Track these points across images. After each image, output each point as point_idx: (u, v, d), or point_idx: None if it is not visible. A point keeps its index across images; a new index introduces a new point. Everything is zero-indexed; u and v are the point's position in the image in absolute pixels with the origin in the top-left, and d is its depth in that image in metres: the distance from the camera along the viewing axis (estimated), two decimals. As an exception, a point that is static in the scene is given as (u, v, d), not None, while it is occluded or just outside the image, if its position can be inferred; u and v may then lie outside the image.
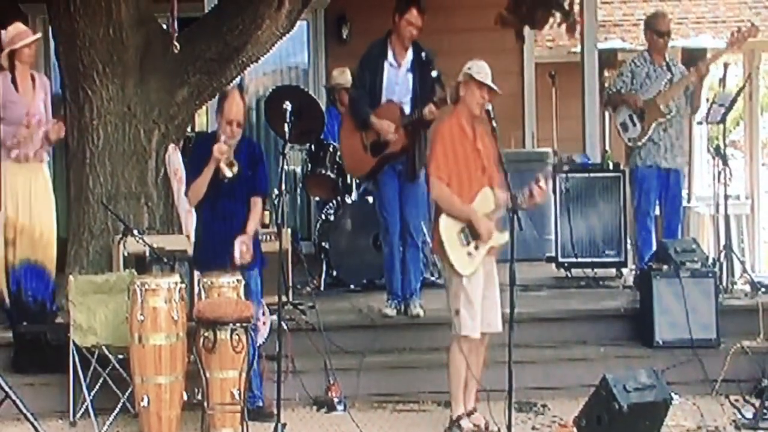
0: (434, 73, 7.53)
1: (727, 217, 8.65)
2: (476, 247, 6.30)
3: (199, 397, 6.40)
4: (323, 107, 9.78)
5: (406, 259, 7.78)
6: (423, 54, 7.65)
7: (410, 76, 7.68)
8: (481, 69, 6.41)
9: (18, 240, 7.29)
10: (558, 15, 9.94)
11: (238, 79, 8.99)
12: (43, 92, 7.47)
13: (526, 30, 10.66)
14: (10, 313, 7.33)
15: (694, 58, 9.70)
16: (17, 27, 7.38)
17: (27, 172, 7.34)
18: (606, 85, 9.60)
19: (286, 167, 6.60)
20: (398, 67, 7.70)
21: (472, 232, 6.29)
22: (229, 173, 6.54)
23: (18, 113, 7.25)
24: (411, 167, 7.63)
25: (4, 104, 7.26)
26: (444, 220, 6.31)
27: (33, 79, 7.44)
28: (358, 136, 7.78)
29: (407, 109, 7.64)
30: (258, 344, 6.64)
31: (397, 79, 7.70)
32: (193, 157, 6.71)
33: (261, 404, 6.77)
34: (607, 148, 10.50)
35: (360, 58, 7.86)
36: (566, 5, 10.03)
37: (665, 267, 7.67)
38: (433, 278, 8.62)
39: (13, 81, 7.28)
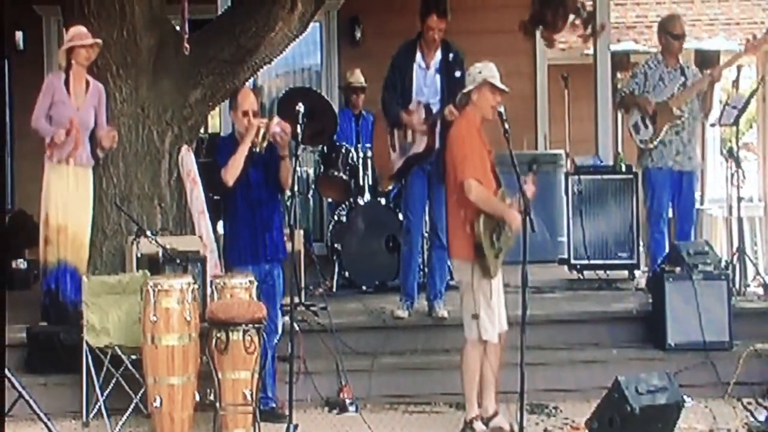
0: (457, 74, 7.56)
1: (740, 220, 8.63)
2: (500, 249, 6.32)
3: (212, 397, 6.41)
4: (336, 109, 9.80)
5: (433, 260, 7.81)
6: (451, 55, 7.69)
7: (438, 77, 7.72)
8: (493, 71, 6.42)
9: (55, 239, 7.35)
10: (578, 20, 9.90)
11: (251, 81, 9.01)
12: (96, 99, 7.53)
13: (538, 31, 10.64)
14: (46, 311, 7.40)
15: (707, 60, 9.67)
16: (78, 29, 7.48)
17: (69, 175, 7.40)
18: (619, 86, 9.59)
19: (298, 169, 6.62)
20: (426, 68, 7.76)
21: (497, 233, 6.28)
22: (288, 137, 6.66)
23: (65, 114, 7.34)
24: (442, 168, 7.63)
25: (54, 103, 7.34)
26: (482, 223, 6.23)
27: (87, 83, 7.49)
28: (388, 137, 7.85)
29: (436, 110, 7.66)
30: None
31: (425, 81, 7.75)
32: (221, 156, 6.74)
33: (273, 405, 6.79)
34: (620, 150, 10.49)
35: (391, 58, 7.88)
36: (584, 12, 10.00)
37: (678, 269, 7.66)
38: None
39: (66, 82, 7.38)
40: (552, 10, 9.31)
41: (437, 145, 7.59)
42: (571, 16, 9.69)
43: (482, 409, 6.48)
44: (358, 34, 11.67)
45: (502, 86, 6.39)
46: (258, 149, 6.68)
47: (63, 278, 7.38)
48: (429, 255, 7.94)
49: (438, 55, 7.75)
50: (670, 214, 8.75)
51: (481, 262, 6.25)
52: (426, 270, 8.15)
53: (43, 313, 7.46)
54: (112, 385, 6.75)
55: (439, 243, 7.75)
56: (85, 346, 6.76)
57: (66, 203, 7.40)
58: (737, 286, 8.28)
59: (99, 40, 7.47)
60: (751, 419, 6.74)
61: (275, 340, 6.78)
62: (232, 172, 6.61)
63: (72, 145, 7.32)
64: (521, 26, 9.61)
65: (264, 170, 6.77)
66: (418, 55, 7.77)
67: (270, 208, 6.89)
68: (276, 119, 6.72)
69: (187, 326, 6.44)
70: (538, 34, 10.07)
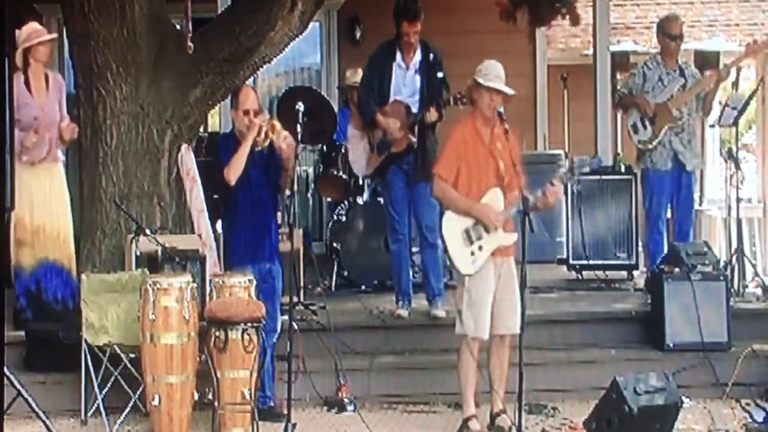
0: (440, 75, 7.62)
1: (739, 221, 8.64)
2: (480, 248, 6.32)
3: (210, 396, 6.42)
4: (336, 108, 9.80)
5: (424, 260, 7.83)
6: (431, 55, 7.74)
7: (417, 77, 7.76)
8: (489, 71, 6.42)
9: (33, 241, 7.34)
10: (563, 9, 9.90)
11: (251, 80, 9.01)
12: (57, 91, 7.51)
13: (538, 31, 10.64)
14: (17, 313, 7.37)
15: (707, 61, 9.67)
16: (33, 26, 7.44)
17: (42, 172, 7.40)
18: (618, 87, 9.59)
19: (298, 168, 6.63)
20: (406, 68, 7.81)
21: (477, 231, 6.31)
22: (275, 136, 6.69)
23: (31, 115, 7.29)
24: (420, 167, 7.66)
25: (18, 106, 7.28)
26: (447, 219, 6.38)
27: (47, 78, 7.48)
28: (366, 134, 7.88)
29: (414, 110, 7.70)
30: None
31: (404, 81, 7.81)
32: (223, 154, 6.75)
33: (272, 404, 6.79)
34: (619, 150, 10.49)
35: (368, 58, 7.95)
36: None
37: (676, 270, 7.67)
38: (444, 279, 8.63)
39: (27, 82, 7.34)
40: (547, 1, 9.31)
41: (416, 144, 7.66)
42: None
43: (491, 407, 6.53)
44: (358, 34, 11.67)
45: (498, 87, 6.38)
46: (260, 148, 6.69)
47: (45, 277, 7.37)
48: (421, 255, 7.94)
49: (418, 55, 7.80)
50: (669, 215, 8.76)
51: (449, 258, 6.42)
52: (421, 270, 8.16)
53: (15, 316, 7.37)
54: (110, 383, 6.75)
55: (427, 242, 7.77)
56: (83, 344, 6.76)
57: (42, 202, 7.38)
58: (736, 286, 8.29)
59: (55, 34, 7.45)
60: (749, 420, 6.75)
61: (274, 339, 6.78)
62: (235, 170, 6.62)
63: (47, 144, 7.31)
64: (500, 13, 9.58)
65: (265, 170, 6.78)
66: (398, 55, 7.82)
67: (270, 208, 6.90)
68: (283, 134, 6.71)
69: (186, 325, 6.44)
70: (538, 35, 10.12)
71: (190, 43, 7.69)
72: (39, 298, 7.36)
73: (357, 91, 9.97)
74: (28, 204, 7.33)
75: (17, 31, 7.35)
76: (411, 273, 8.13)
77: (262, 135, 6.67)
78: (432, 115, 7.56)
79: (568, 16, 9.61)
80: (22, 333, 7.20)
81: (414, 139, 7.67)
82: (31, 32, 7.38)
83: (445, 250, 6.40)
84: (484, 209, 6.30)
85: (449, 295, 7.80)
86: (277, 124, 6.80)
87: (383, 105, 7.78)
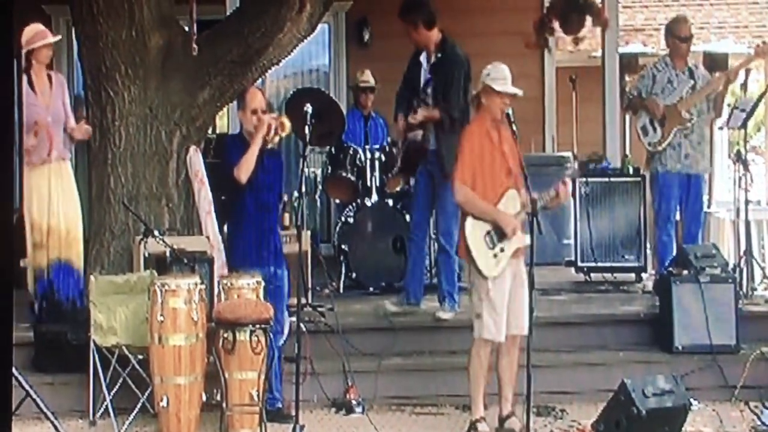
0: (427, 76, 7.73)
1: (747, 223, 8.62)
2: (502, 249, 6.31)
3: (218, 397, 6.43)
4: (344, 109, 9.81)
5: (438, 262, 7.94)
6: (439, 55, 7.77)
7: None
8: (499, 74, 6.41)
9: (47, 242, 7.36)
10: (590, 19, 9.92)
11: (259, 82, 9.02)
12: (61, 91, 7.53)
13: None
14: (38, 316, 7.39)
15: (716, 62, 9.67)
16: (36, 27, 7.45)
17: (50, 172, 7.41)
18: (627, 89, 9.58)
19: (306, 170, 6.64)
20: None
21: (497, 235, 6.30)
22: (284, 133, 6.77)
23: (32, 117, 7.27)
24: (440, 169, 7.65)
25: (24, 107, 7.29)
26: (470, 223, 6.33)
27: (50, 78, 7.50)
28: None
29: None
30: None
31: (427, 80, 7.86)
32: (230, 154, 6.76)
33: (280, 405, 6.79)
34: (628, 152, 10.49)
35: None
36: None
37: (685, 272, 7.65)
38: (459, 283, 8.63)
39: (30, 83, 7.35)
40: (576, 12, 9.30)
41: (432, 145, 7.72)
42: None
43: (499, 409, 6.51)
44: (367, 36, 11.68)
45: (505, 89, 6.38)
46: (270, 146, 6.71)
47: (58, 277, 7.39)
48: (436, 257, 8.01)
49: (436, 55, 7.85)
50: (678, 217, 8.75)
51: (472, 262, 6.30)
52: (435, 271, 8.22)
53: (38, 317, 7.42)
54: (119, 384, 6.76)
55: (441, 246, 7.80)
56: (92, 345, 6.76)
57: (51, 202, 7.40)
58: (744, 289, 8.26)
59: (59, 36, 7.47)
60: (758, 422, 6.73)
61: (281, 341, 6.78)
62: (245, 169, 6.60)
63: (47, 143, 7.32)
64: (527, 43, 9.59)
65: (273, 174, 6.79)
66: (423, 56, 7.91)
67: (274, 211, 6.91)
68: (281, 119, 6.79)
69: (194, 326, 6.44)
70: (551, 39, 10.11)
71: (194, 45, 7.70)
72: (53, 298, 7.38)
73: (366, 92, 10.04)
74: (41, 206, 7.36)
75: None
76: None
77: (272, 133, 6.68)
78: (413, 117, 7.67)
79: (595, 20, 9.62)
80: (31, 334, 7.21)
81: (417, 136, 7.76)
82: (35, 34, 7.39)
83: (469, 253, 6.30)
84: (505, 217, 6.28)
85: (464, 300, 7.81)
86: (287, 122, 6.81)
87: (418, 105, 7.90)
